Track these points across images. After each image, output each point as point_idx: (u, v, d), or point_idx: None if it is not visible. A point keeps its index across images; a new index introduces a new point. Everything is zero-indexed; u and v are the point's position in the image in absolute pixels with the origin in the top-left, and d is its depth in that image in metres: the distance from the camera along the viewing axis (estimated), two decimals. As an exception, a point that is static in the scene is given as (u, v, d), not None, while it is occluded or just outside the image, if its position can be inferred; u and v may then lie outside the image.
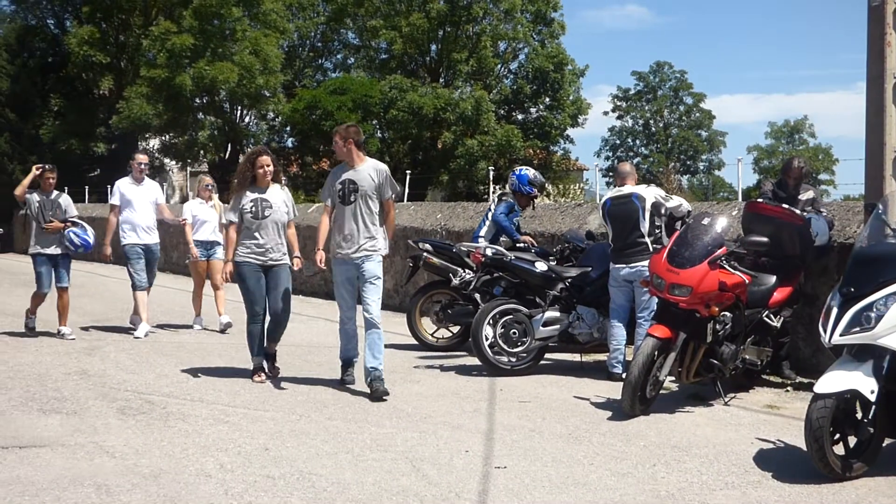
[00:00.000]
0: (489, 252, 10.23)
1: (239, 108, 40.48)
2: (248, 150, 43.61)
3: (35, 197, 11.76)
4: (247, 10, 37.56)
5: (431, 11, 40.22)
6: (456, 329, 11.54)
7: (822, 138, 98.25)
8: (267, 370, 9.42)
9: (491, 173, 31.89)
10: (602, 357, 10.11)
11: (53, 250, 11.65)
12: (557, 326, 9.87)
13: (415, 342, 11.52)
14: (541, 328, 9.75)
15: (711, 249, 8.04)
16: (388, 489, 5.84)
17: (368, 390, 8.54)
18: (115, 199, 12.39)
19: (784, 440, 7.16)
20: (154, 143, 42.76)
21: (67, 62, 38.50)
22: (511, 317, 9.84)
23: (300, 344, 11.17)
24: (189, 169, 47.38)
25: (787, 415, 8.04)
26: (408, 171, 27.85)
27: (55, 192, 11.95)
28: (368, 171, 8.92)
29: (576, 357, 10.56)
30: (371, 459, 6.49)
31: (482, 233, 11.43)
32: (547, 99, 43.54)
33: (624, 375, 8.39)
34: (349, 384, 9.03)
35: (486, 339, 9.78)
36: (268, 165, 9.31)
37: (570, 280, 10.08)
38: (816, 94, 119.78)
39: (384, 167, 9.09)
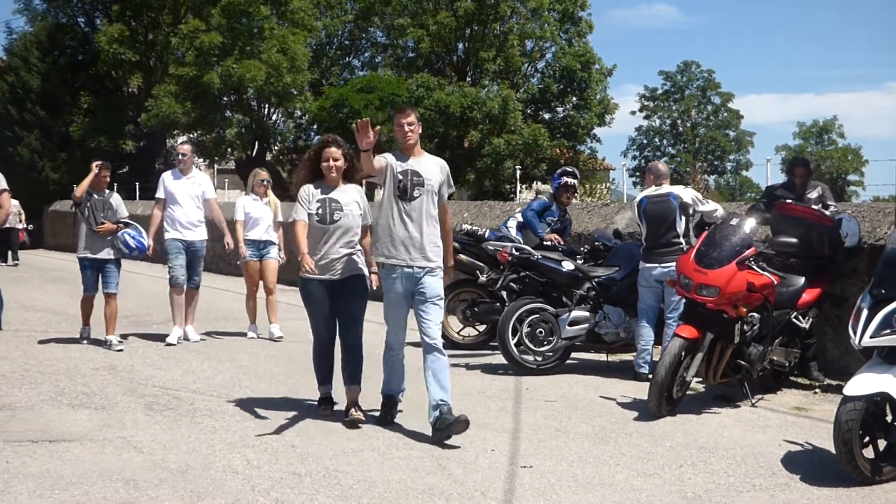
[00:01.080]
0: (516, 251, 10.24)
1: (266, 106, 40.56)
2: (276, 148, 44.09)
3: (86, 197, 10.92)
4: (275, 9, 37.60)
5: (459, 10, 40.13)
6: (482, 327, 11.54)
7: (852, 139, 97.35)
8: (350, 413, 7.48)
9: (517, 172, 31.80)
10: (628, 357, 10.10)
11: (105, 254, 10.81)
12: (584, 326, 9.85)
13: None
14: (567, 327, 9.73)
15: (740, 250, 8.01)
16: (413, 487, 5.84)
17: (432, 430, 7.01)
18: (159, 193, 11.62)
19: (812, 442, 7.12)
20: (182, 140, 42.93)
21: (97, 60, 38.69)
22: (537, 316, 9.83)
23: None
24: (216, 166, 47.61)
25: (815, 417, 8.00)
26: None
27: (106, 192, 11.16)
28: (432, 164, 7.40)
29: (602, 357, 10.54)
30: (397, 457, 6.50)
31: (508, 223, 11.48)
32: (574, 98, 43.36)
33: (650, 376, 8.36)
34: (390, 422, 7.53)
35: (513, 338, 9.78)
36: (335, 160, 7.58)
37: (597, 279, 10.06)
38: (846, 94, 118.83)
39: (444, 163, 7.56)
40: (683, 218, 9.39)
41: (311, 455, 6.51)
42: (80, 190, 10.98)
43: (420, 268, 7.16)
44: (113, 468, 6.07)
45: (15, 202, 23.90)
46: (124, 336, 11.11)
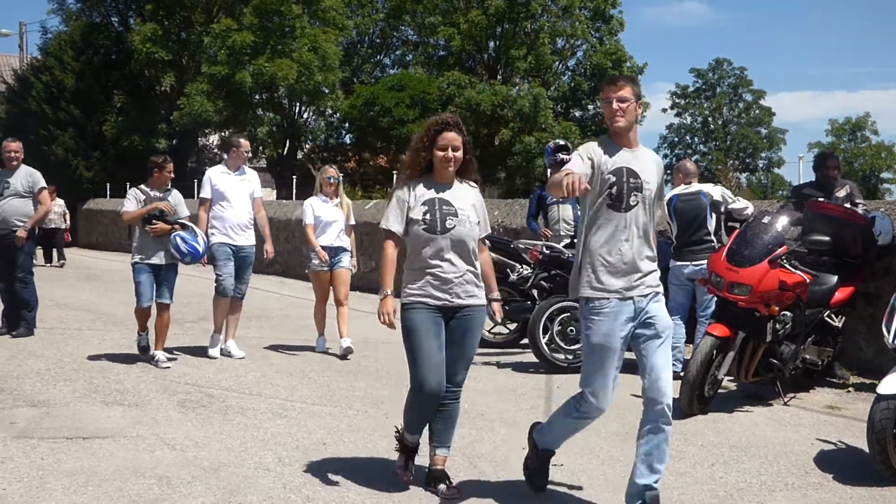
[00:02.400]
0: (546, 249, 10.24)
1: (297, 104, 40.72)
2: (307, 146, 44.21)
3: (139, 195, 9.82)
4: (307, 8, 37.75)
5: (490, 8, 40.13)
6: (513, 325, 11.54)
7: (885, 135, 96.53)
8: (441, 490, 5.74)
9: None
10: (660, 355, 10.04)
11: (158, 259, 9.66)
12: (615, 324, 9.81)
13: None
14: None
15: (772, 248, 7.97)
16: (444, 485, 5.85)
17: None
18: (205, 192, 10.42)
19: (845, 441, 7.08)
20: (213, 139, 43.18)
21: (130, 59, 38.92)
22: (568, 314, 9.82)
23: (356, 340, 11.22)
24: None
25: (848, 416, 7.95)
26: (465, 168, 27.82)
27: (168, 190, 9.99)
28: (649, 159, 5.58)
29: (632, 355, 10.49)
30: (428, 456, 6.50)
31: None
32: (605, 96, 43.26)
33: (682, 374, 8.34)
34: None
35: (544, 336, 9.78)
36: (455, 149, 5.68)
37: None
38: (880, 91, 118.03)
39: (660, 159, 5.77)
40: (714, 215, 9.37)
41: (342, 453, 6.54)
42: (128, 217, 9.81)
43: (644, 295, 5.33)
44: (146, 465, 6.12)
45: (60, 201, 23.63)
46: (171, 355, 10.11)
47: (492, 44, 42.94)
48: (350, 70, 43.26)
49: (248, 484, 5.80)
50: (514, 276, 11.00)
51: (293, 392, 8.54)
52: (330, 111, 42.14)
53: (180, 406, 7.82)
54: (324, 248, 10.51)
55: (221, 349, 10.35)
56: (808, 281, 8.19)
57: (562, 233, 11.55)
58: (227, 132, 39.15)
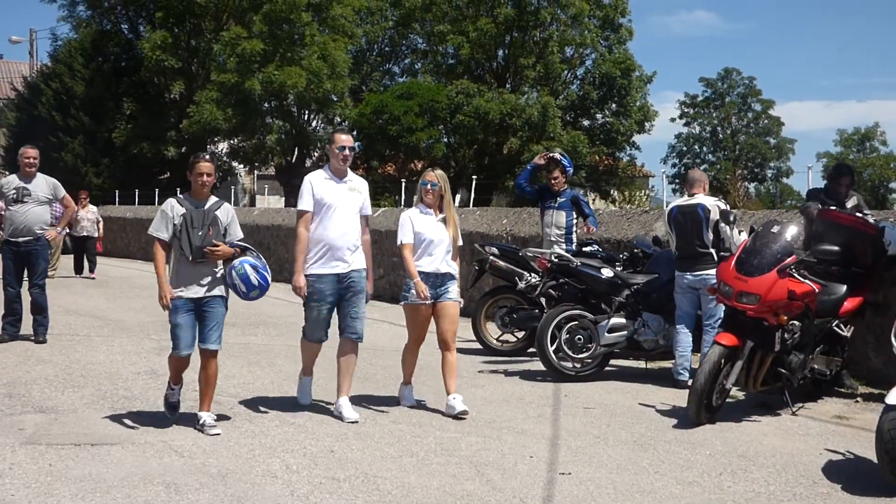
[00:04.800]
0: (555, 258, 10.24)
1: (306, 112, 40.79)
2: (316, 154, 44.34)
3: (178, 207, 7.38)
4: (316, 15, 37.84)
5: (499, 17, 40.16)
6: (521, 334, 11.53)
7: (894, 146, 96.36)
8: None
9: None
10: (667, 364, 10.05)
11: (202, 291, 7.34)
12: (623, 333, 9.83)
13: (479, 346, 11.53)
14: (606, 334, 9.72)
15: (781, 258, 7.95)
16: (452, 493, 5.86)
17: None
18: (305, 203, 8.04)
19: (853, 451, 7.06)
20: (223, 146, 43.26)
21: (140, 66, 39.09)
22: (576, 322, 9.82)
23: (364, 347, 11.21)
24: (256, 172, 47.83)
25: (856, 426, 7.93)
26: (473, 177, 27.82)
27: (212, 200, 7.51)
28: None
29: (641, 364, 10.50)
30: (436, 463, 6.52)
31: None
32: (613, 105, 43.28)
33: (690, 383, 8.33)
34: None
35: (552, 345, 9.77)
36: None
37: (636, 286, 10.03)
38: (889, 101, 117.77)
39: None
40: (710, 229, 9.33)
41: (349, 460, 6.54)
42: (155, 257, 7.46)
43: None
44: (154, 472, 6.13)
45: (93, 208, 22.54)
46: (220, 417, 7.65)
47: (501, 52, 42.96)
48: (359, 78, 43.33)
49: (255, 491, 5.80)
50: (522, 285, 11.00)
51: (301, 399, 8.54)
52: (339, 119, 42.18)
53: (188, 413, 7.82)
54: (425, 274, 8.17)
55: (335, 409, 8.02)
56: (816, 290, 8.17)
57: (551, 238, 11.56)
58: (235, 140, 39.30)
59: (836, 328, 8.74)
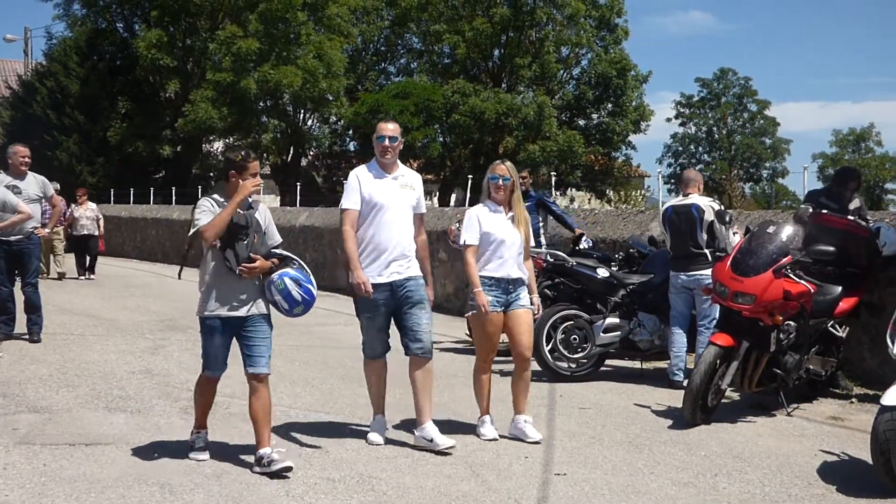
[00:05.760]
0: (550, 258, 10.24)
1: (302, 111, 40.77)
2: (311, 153, 44.36)
3: (215, 207, 6.34)
4: (312, 15, 37.82)
5: (495, 16, 40.16)
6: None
7: (889, 147, 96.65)
8: None
9: (552, 179, 31.76)
10: (662, 364, 10.05)
11: (243, 310, 6.37)
12: (618, 333, 9.83)
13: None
14: (601, 334, 9.72)
15: (776, 258, 7.95)
16: (447, 493, 5.85)
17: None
18: (351, 200, 7.03)
19: (848, 453, 7.06)
20: (218, 145, 43.21)
21: (135, 65, 39.05)
22: (572, 322, 9.82)
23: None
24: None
25: (851, 427, 7.93)
26: (469, 176, 27.83)
27: (253, 199, 6.55)
28: None
29: (636, 364, 10.50)
30: (431, 464, 6.51)
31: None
32: (609, 105, 43.31)
33: (685, 383, 8.33)
34: None
35: (547, 345, 9.76)
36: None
37: (631, 286, 10.03)
38: (884, 101, 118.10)
39: None
40: (704, 230, 9.33)
41: (344, 461, 6.53)
42: (215, 230, 6.20)
43: None
44: (148, 472, 6.12)
45: (92, 205, 21.56)
46: (277, 451, 6.37)
47: (496, 52, 42.95)
48: (355, 77, 43.29)
49: (250, 491, 5.79)
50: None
51: (296, 399, 8.54)
52: (334, 118, 42.19)
53: (183, 412, 7.81)
54: (495, 280, 7.25)
55: (418, 438, 6.96)
56: (812, 291, 8.17)
57: None
58: (231, 138, 39.25)
59: (831, 329, 8.74)
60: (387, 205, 7.00)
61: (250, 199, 6.45)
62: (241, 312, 6.36)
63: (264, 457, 6.22)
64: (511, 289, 7.30)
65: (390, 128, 7.17)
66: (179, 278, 7.60)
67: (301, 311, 6.44)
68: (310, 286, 6.40)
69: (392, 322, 7.12)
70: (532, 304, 7.46)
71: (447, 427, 7.24)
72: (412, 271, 7.05)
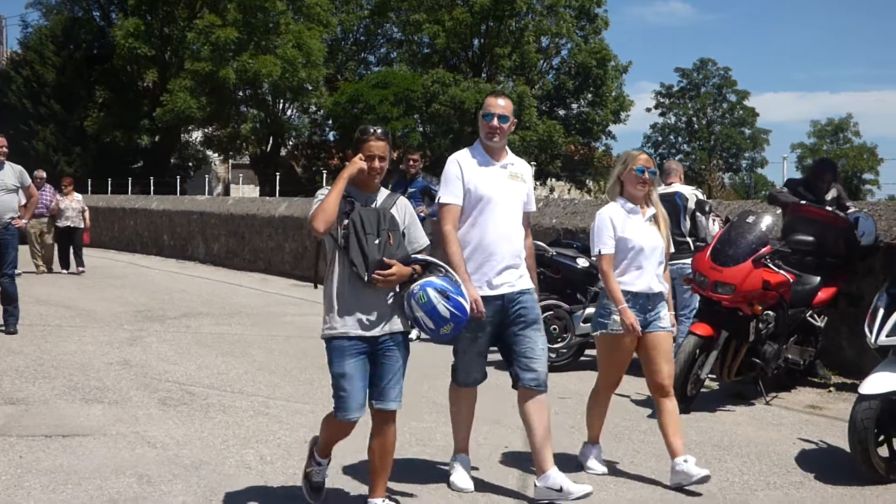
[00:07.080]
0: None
1: (281, 101, 40.69)
2: (291, 143, 44.25)
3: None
4: (291, 4, 37.73)
5: (474, 6, 40.17)
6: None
7: (867, 137, 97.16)
8: None
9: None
10: (642, 354, 10.04)
11: (377, 328, 5.06)
12: (598, 323, 9.81)
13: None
14: (582, 324, 9.72)
15: (756, 248, 7.97)
16: (427, 480, 5.83)
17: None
18: (451, 193, 5.69)
19: (827, 441, 7.09)
20: (197, 135, 43.06)
21: (113, 54, 38.88)
22: (552, 312, 9.81)
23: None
24: (231, 161, 47.62)
25: (829, 415, 7.96)
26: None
27: (383, 193, 5.23)
28: None
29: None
30: (411, 454, 6.50)
31: None
32: (589, 95, 43.45)
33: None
34: None
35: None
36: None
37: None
38: (862, 92, 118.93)
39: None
40: (688, 218, 9.36)
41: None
42: (325, 216, 4.90)
43: None
44: (126, 463, 6.08)
45: (78, 196, 20.56)
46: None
47: (476, 42, 42.98)
48: (334, 67, 43.27)
49: (229, 482, 5.76)
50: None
51: (275, 390, 8.50)
52: (314, 108, 42.11)
53: (161, 404, 7.76)
54: (633, 295, 6.06)
55: (542, 490, 5.61)
56: (791, 281, 8.19)
57: None
58: (209, 128, 39.12)
59: (809, 318, 8.77)
60: (495, 199, 5.66)
61: (380, 197, 5.17)
62: (374, 332, 5.06)
63: None
64: (650, 306, 6.11)
65: (501, 104, 5.73)
66: (316, 287, 5.79)
67: (450, 331, 5.13)
68: (460, 299, 5.08)
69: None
70: (671, 324, 6.22)
71: (435, 414, 7.22)
72: (525, 282, 5.80)
